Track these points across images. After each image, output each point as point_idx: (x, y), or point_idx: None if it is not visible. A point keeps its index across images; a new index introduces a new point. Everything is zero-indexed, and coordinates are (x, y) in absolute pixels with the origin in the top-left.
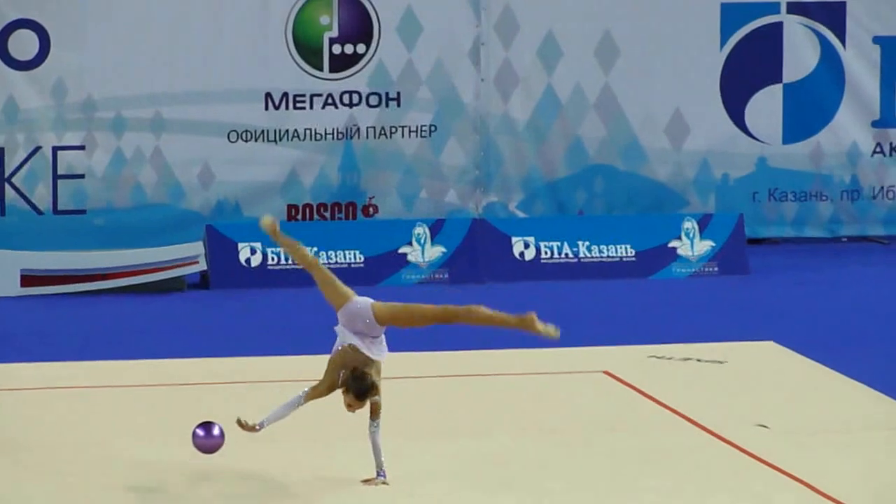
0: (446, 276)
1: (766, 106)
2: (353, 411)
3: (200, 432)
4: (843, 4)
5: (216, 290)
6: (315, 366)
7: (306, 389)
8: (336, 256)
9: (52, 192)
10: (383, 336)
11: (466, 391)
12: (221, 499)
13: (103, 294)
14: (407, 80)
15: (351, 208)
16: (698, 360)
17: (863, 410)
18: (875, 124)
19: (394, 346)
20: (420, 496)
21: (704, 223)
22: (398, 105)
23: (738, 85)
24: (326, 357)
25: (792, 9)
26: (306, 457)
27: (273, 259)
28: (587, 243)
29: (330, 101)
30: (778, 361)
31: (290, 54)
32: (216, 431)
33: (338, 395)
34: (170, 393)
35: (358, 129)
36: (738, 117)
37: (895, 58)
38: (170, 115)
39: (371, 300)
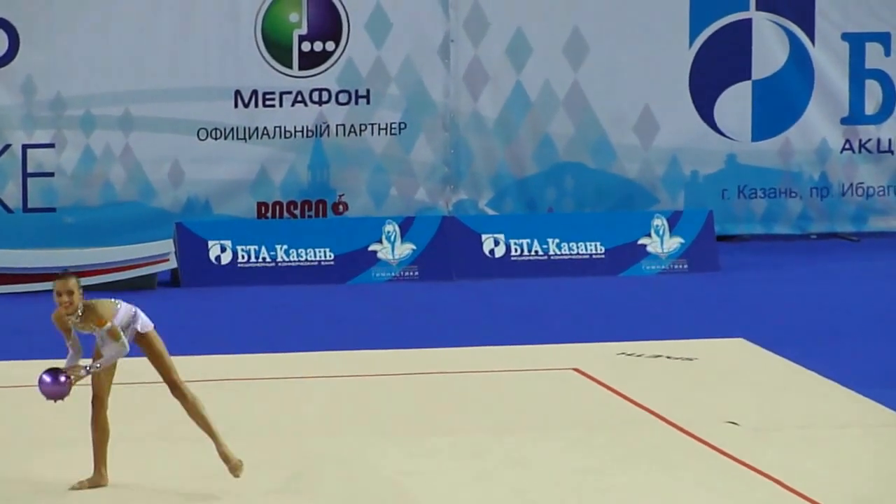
0: (416, 273)
1: (735, 103)
2: (68, 305)
3: (47, 378)
4: (812, 1)
5: (187, 287)
6: (285, 363)
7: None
8: (306, 254)
9: (22, 190)
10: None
11: (437, 388)
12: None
13: None
14: (376, 78)
15: (321, 206)
16: (668, 358)
17: (832, 407)
18: (844, 121)
19: (358, 345)
20: (390, 492)
21: (674, 220)
22: (368, 102)
23: (708, 82)
24: (296, 354)
25: (761, 5)
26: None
27: (243, 257)
28: (557, 241)
29: (299, 98)
30: (747, 358)
31: (260, 52)
32: (62, 379)
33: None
34: (139, 390)
35: (328, 126)
36: (707, 114)
37: (864, 55)
38: (139, 112)
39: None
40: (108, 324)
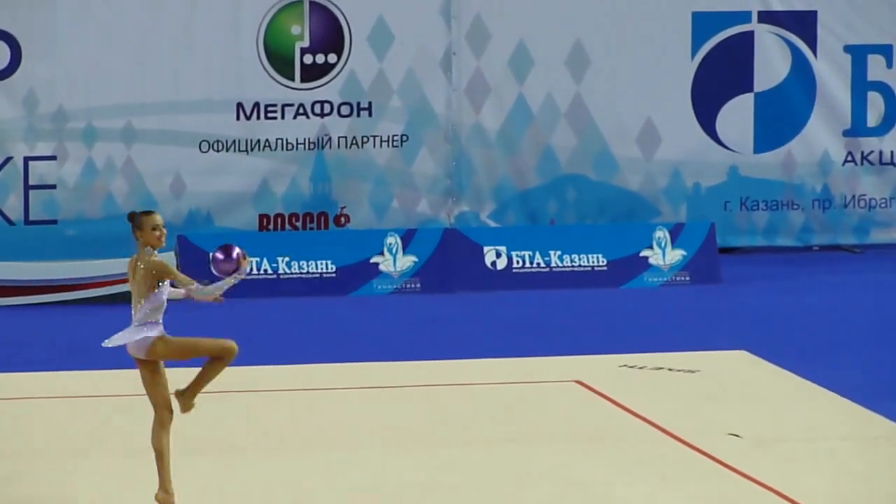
0: (418, 285)
1: (737, 115)
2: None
3: (220, 255)
4: (815, 14)
5: (188, 299)
6: (286, 376)
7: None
8: (308, 266)
9: (24, 203)
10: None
11: (438, 400)
12: None
13: (75, 304)
14: (378, 90)
15: (323, 218)
16: (670, 370)
17: (834, 419)
18: (846, 133)
19: (360, 357)
20: None
21: (676, 232)
22: (370, 115)
23: (710, 94)
24: (297, 367)
25: (763, 18)
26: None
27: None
28: (559, 253)
29: (301, 111)
30: (750, 370)
31: (262, 64)
32: (234, 253)
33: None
34: (142, 403)
35: (329, 138)
36: (709, 126)
37: (866, 67)
38: (141, 125)
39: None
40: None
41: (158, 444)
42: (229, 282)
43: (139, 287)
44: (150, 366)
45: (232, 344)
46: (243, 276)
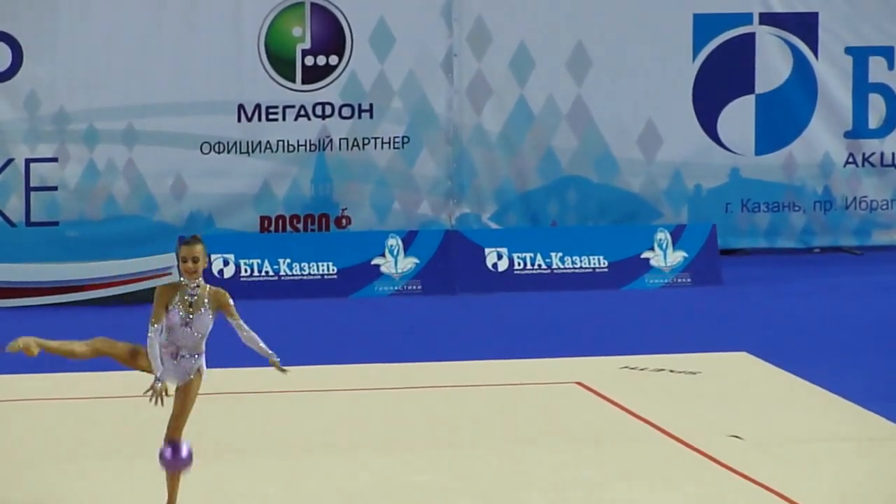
0: (419, 287)
1: (738, 117)
2: (192, 272)
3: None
4: (816, 15)
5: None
6: (287, 377)
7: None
8: (309, 268)
9: (25, 204)
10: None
11: (439, 402)
12: None
13: (76, 306)
14: (379, 92)
15: (324, 220)
16: (671, 371)
17: (835, 421)
18: (847, 135)
19: (361, 359)
20: None
21: (677, 234)
22: (371, 116)
23: (711, 96)
24: (298, 368)
25: (764, 20)
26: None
27: (246, 270)
28: (560, 254)
29: (303, 112)
30: (751, 372)
31: (263, 66)
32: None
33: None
34: (143, 404)
35: (331, 140)
36: (710, 128)
37: (867, 69)
38: (142, 126)
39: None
40: (231, 301)
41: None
42: (154, 372)
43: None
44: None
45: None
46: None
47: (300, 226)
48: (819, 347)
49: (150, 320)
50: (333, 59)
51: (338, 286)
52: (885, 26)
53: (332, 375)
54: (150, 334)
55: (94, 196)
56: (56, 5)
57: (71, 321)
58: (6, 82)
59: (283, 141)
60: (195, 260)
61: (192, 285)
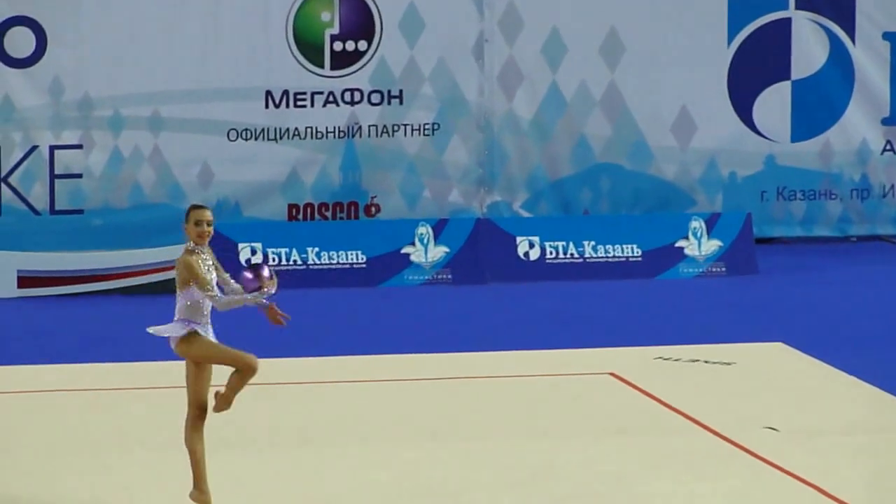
0: (449, 276)
1: (774, 103)
2: (209, 233)
3: (249, 275)
4: (853, 0)
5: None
6: (315, 368)
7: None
8: (338, 257)
9: (50, 192)
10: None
11: (471, 393)
12: None
13: (102, 295)
14: (409, 78)
15: (353, 208)
16: (706, 362)
17: (872, 412)
18: (885, 122)
19: (390, 349)
20: (425, 499)
21: (712, 223)
22: (400, 103)
23: (746, 82)
24: (326, 359)
25: (801, 4)
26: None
27: (274, 259)
28: (593, 243)
29: (331, 99)
30: (787, 363)
31: (291, 51)
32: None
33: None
34: (173, 395)
35: (360, 127)
36: (745, 115)
37: None
38: (168, 113)
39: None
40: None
41: (190, 443)
42: (250, 298)
43: (176, 280)
44: (192, 361)
45: (253, 361)
46: (268, 294)
47: (329, 214)
48: (856, 338)
49: (203, 288)
50: (363, 45)
51: (367, 275)
52: None
53: (360, 365)
54: (214, 297)
55: (120, 184)
56: None
57: (97, 311)
58: (30, 68)
59: (312, 128)
60: (209, 223)
61: (204, 251)
